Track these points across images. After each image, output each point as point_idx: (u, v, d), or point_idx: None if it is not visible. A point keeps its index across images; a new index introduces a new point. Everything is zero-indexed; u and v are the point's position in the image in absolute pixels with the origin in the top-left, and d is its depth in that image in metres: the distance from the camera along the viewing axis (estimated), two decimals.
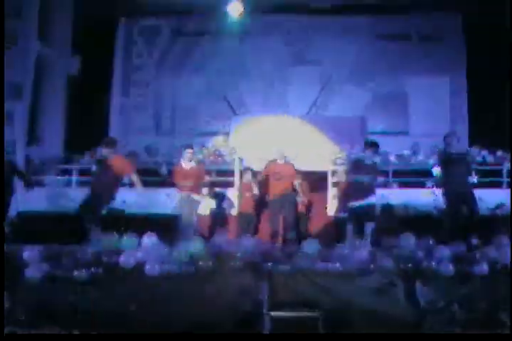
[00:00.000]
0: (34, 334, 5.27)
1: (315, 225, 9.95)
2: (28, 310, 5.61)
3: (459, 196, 7.59)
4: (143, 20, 14.14)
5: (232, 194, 10.25)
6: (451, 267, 5.92)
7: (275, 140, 11.89)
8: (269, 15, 13.52)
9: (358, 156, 8.68)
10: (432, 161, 11.06)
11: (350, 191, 8.05)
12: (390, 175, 10.62)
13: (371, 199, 7.80)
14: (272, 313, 5.41)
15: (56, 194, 10.32)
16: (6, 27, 10.01)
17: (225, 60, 13.57)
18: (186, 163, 8.72)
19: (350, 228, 7.77)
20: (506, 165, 10.68)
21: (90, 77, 12.79)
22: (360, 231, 7.54)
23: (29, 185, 8.66)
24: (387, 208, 9.53)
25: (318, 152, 11.32)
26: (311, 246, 6.24)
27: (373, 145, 8.00)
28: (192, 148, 8.86)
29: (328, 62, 13.45)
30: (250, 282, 5.73)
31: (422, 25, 13.56)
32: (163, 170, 10.87)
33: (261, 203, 9.63)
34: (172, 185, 9.07)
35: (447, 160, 7.72)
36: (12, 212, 8.86)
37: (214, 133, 13.01)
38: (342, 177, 9.82)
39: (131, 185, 8.34)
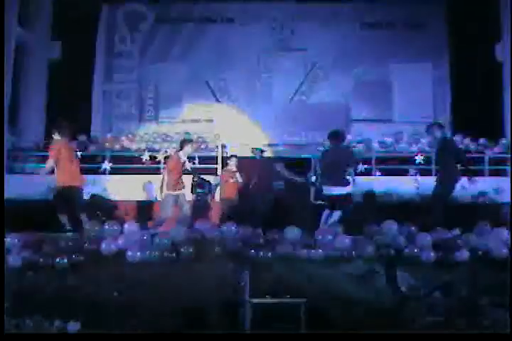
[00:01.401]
0: (34, 334, 5.22)
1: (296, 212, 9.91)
2: (9, 297, 5.56)
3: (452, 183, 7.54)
4: (126, 6, 13.94)
5: (215, 180, 10.21)
6: (432, 254, 5.96)
7: (257, 127, 11.92)
8: (254, 2, 13.42)
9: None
10: (414, 149, 11.10)
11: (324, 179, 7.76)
12: (373, 162, 10.63)
13: (346, 189, 7.44)
14: (254, 300, 5.40)
15: (36, 181, 10.19)
16: None
17: (209, 47, 13.45)
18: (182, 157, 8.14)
19: (325, 214, 7.50)
20: (488, 153, 10.71)
21: (72, 63, 12.60)
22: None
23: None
24: (370, 195, 9.56)
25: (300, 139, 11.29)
26: (292, 233, 6.23)
27: (332, 136, 7.69)
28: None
29: (313, 49, 13.36)
30: (232, 269, 5.72)
31: (405, 13, 13.52)
32: (146, 156, 10.83)
33: (244, 190, 9.60)
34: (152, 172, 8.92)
35: (443, 147, 7.62)
36: None
37: (197, 121, 12.96)
38: None
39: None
